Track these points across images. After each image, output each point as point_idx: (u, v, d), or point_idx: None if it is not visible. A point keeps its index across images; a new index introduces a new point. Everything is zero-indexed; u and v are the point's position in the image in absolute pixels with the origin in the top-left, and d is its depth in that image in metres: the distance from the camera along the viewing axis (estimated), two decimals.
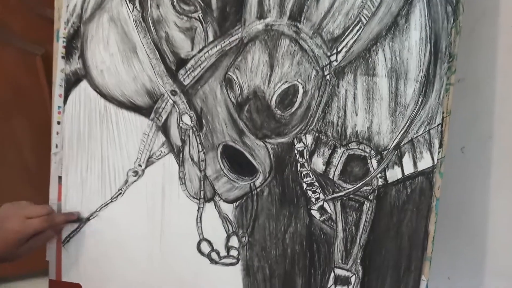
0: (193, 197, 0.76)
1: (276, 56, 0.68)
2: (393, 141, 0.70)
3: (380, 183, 0.72)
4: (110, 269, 0.79)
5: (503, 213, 0.86)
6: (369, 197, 0.72)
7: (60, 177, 0.78)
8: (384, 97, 0.69)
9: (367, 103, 0.69)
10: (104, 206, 0.79)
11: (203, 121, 0.74)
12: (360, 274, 0.74)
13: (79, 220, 0.79)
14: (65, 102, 0.77)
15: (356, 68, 0.69)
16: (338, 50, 0.68)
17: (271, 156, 0.73)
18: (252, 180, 0.74)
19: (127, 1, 0.72)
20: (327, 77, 0.69)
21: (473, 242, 0.90)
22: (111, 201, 0.78)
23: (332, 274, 0.75)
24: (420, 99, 0.69)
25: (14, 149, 1.39)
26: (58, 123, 0.76)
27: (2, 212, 0.74)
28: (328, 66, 0.69)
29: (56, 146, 0.77)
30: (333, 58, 0.68)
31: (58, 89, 0.75)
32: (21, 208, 0.75)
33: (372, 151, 0.71)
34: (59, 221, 0.78)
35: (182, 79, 0.73)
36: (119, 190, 0.78)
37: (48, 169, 1.45)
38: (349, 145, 0.71)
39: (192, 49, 0.71)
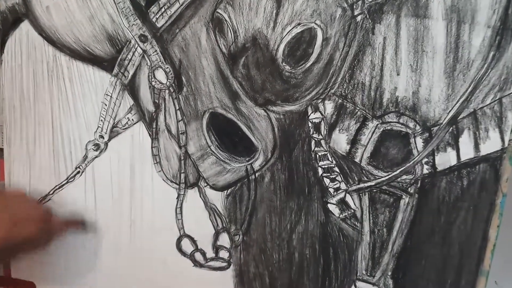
0: (171, 181, 0.62)
1: None
2: (448, 113, 0.52)
3: (425, 171, 0.54)
4: (65, 267, 0.65)
5: None
6: (409, 189, 0.55)
7: (1, 150, 0.63)
8: (439, 49, 0.50)
9: (414, 58, 0.51)
10: (59, 188, 0.66)
11: (183, 78, 0.58)
12: None
13: (83, 228, 0.66)
14: (1, 50, 0.62)
15: (400, 5, 0.50)
16: None
17: (275, 129, 0.57)
18: (249, 162, 0.58)
19: None
20: (358, 18, 0.51)
21: None
22: (67, 182, 0.65)
23: None
24: (491, 54, 0.50)
25: None
26: None
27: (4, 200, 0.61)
28: (359, 3, 0.50)
29: None
30: None
31: None
32: (12, 206, 0.61)
33: (418, 126, 0.53)
34: (57, 230, 0.64)
35: (154, 20, 0.56)
36: (76, 168, 0.65)
37: None
38: (385, 117, 0.53)
39: None
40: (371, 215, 0.57)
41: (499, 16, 0.49)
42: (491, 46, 0.50)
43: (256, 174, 0.59)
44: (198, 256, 0.63)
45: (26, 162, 0.64)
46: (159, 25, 0.56)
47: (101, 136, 0.61)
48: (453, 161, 0.54)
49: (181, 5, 0.54)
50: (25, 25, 0.60)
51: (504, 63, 0.50)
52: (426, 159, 0.54)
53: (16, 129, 0.64)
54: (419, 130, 0.53)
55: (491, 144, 0.53)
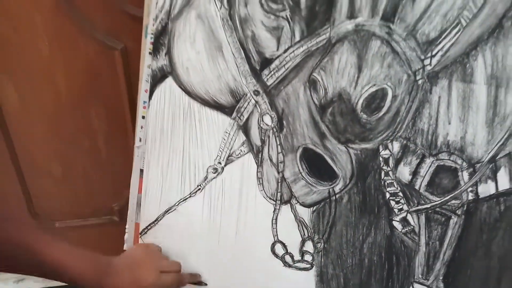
0: (270, 198, 0.76)
1: (365, 58, 0.65)
2: (488, 154, 0.65)
3: (470, 198, 0.67)
4: (184, 265, 0.80)
5: None
6: (457, 211, 0.68)
7: (141, 170, 0.80)
8: (481, 106, 0.64)
9: (462, 112, 0.65)
10: (183, 200, 0.80)
11: (284, 122, 0.72)
12: None
13: (199, 283, 0.81)
14: (150, 97, 0.78)
15: (452, 73, 0.64)
16: (433, 53, 0.64)
17: (353, 162, 0.70)
18: (331, 186, 0.72)
19: None
20: (419, 81, 0.65)
21: None
22: (190, 196, 0.79)
23: None
24: None
25: (90, 136, 1.47)
26: (143, 117, 0.78)
27: (137, 257, 0.75)
28: (421, 70, 0.65)
29: (140, 140, 0.79)
30: (427, 62, 0.64)
31: (144, 84, 0.77)
32: (157, 258, 0.76)
33: (464, 163, 0.66)
34: (185, 282, 0.78)
35: (265, 79, 0.72)
36: (198, 186, 0.79)
37: (117, 156, 1.52)
38: (439, 155, 0.67)
39: (278, 49, 0.70)
40: (426, 230, 0.70)
41: None
42: None
43: (337, 196, 0.72)
44: (287, 258, 0.77)
45: (160, 180, 0.80)
46: (268, 83, 0.71)
47: (219, 163, 0.76)
48: (492, 191, 0.66)
49: (286, 69, 0.70)
50: (169, 80, 0.76)
51: None
52: (470, 188, 0.66)
53: (154, 155, 0.79)
54: (465, 166, 0.66)
55: None
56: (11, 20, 1.28)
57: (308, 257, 0.76)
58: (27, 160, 1.45)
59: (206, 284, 0.81)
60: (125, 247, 0.83)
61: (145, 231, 0.82)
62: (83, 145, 1.47)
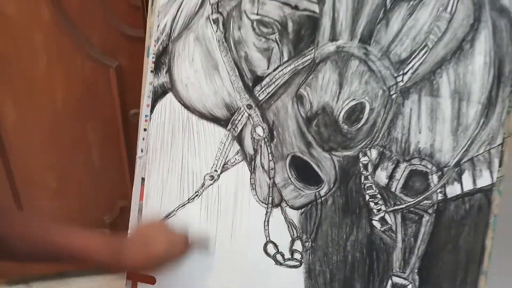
0: (262, 202, 0.82)
1: (345, 76, 0.74)
2: (454, 159, 0.74)
3: (439, 198, 0.76)
4: (183, 264, 0.84)
5: None
6: (428, 210, 0.77)
7: (143, 179, 0.87)
8: (447, 117, 0.73)
9: (431, 122, 0.74)
10: (182, 206, 0.86)
11: (274, 133, 0.80)
12: (417, 283, 0.79)
13: (205, 248, 0.86)
14: (151, 111, 0.85)
15: (421, 89, 0.74)
16: (405, 71, 0.73)
17: (337, 167, 0.78)
18: (317, 190, 0.80)
19: (212, 23, 0.80)
20: (393, 96, 0.74)
21: None
22: (188, 202, 0.86)
23: (390, 282, 0.80)
24: (482, 120, 0.73)
25: (84, 150, 1.53)
26: (145, 130, 0.85)
27: (147, 231, 0.80)
28: (394, 86, 0.74)
29: (142, 151, 0.86)
30: (399, 79, 0.74)
31: (146, 100, 0.84)
32: (165, 230, 0.81)
33: (434, 167, 0.75)
34: (193, 248, 0.83)
35: (257, 95, 0.80)
36: (196, 192, 0.85)
37: (111, 168, 1.57)
38: (412, 160, 0.76)
39: (268, 68, 0.79)
40: (402, 228, 0.78)
41: (486, 96, 0.72)
42: (481, 116, 0.72)
43: (322, 199, 0.80)
44: (278, 257, 0.83)
45: (160, 188, 0.86)
46: (260, 98, 0.79)
47: (215, 170, 0.83)
48: (458, 191, 0.75)
49: (276, 86, 0.78)
50: (169, 96, 0.83)
51: (490, 126, 0.72)
52: (440, 190, 0.75)
53: (155, 165, 0.86)
54: (435, 170, 0.75)
55: (484, 180, 0.74)
56: (12, 38, 1.34)
57: (297, 256, 0.82)
58: (22, 173, 1.49)
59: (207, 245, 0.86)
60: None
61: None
62: (77, 158, 1.53)
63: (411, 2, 0.72)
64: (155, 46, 0.83)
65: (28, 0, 1.29)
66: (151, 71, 0.84)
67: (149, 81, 0.84)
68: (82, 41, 1.37)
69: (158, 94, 0.85)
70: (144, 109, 0.85)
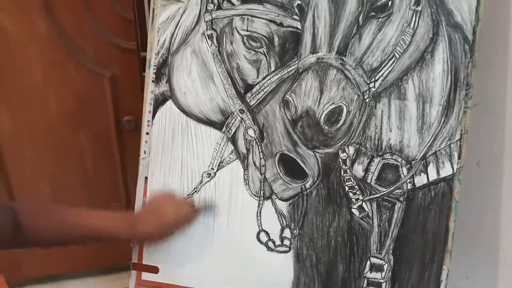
0: (255, 195, 0.92)
1: (325, 83, 0.84)
2: (420, 153, 0.86)
3: (409, 187, 0.88)
4: (184, 254, 0.95)
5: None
6: (400, 198, 0.88)
7: (146, 178, 0.96)
8: (413, 117, 0.85)
9: (399, 122, 0.86)
10: None
11: (264, 134, 0.90)
12: (392, 262, 0.90)
13: (211, 209, 0.94)
14: (153, 117, 0.94)
15: (390, 93, 0.85)
16: (376, 78, 0.85)
17: (319, 163, 0.89)
18: (303, 183, 0.90)
19: (207, 38, 0.90)
20: (367, 100, 0.86)
21: (489, 243, 1.04)
22: (188, 197, 0.95)
23: (368, 262, 0.90)
24: (443, 119, 0.85)
25: (77, 157, 1.60)
26: (147, 133, 0.94)
27: (157, 201, 0.90)
28: (367, 92, 0.85)
29: (145, 152, 0.95)
30: (371, 85, 0.85)
31: (148, 107, 0.94)
32: (173, 198, 0.91)
33: (403, 161, 0.87)
34: (200, 211, 0.93)
35: (248, 101, 0.90)
36: (194, 188, 0.94)
37: (103, 174, 1.64)
38: (384, 155, 0.87)
39: (258, 77, 0.89)
40: (378, 215, 0.89)
41: (445, 99, 0.84)
42: (442, 115, 0.84)
43: (307, 191, 0.90)
44: (270, 244, 0.92)
45: (162, 186, 0.95)
46: (251, 104, 0.89)
47: (212, 168, 0.92)
48: (425, 181, 0.87)
49: (265, 92, 0.88)
50: (169, 103, 0.92)
51: (450, 124, 0.84)
52: (409, 180, 0.87)
53: (157, 165, 0.95)
54: (404, 163, 0.87)
55: (446, 170, 0.86)
56: (8, 51, 1.41)
57: (286, 242, 0.92)
58: (18, 180, 1.55)
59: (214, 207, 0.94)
60: (131, 243, 0.97)
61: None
62: (71, 164, 1.59)
63: (380, 19, 0.83)
64: (155, 59, 0.93)
65: (24, 14, 1.36)
66: (152, 81, 0.93)
67: (150, 90, 0.93)
68: (77, 53, 1.45)
69: (159, 101, 0.94)
70: (147, 115, 0.94)
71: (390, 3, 0.83)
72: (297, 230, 0.92)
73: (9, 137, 1.50)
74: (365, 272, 0.91)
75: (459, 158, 0.86)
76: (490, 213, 1.02)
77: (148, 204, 0.93)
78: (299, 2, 0.85)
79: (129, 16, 1.39)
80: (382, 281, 0.90)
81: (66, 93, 1.49)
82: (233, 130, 0.92)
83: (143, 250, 0.97)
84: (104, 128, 1.57)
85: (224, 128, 0.92)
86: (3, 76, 1.43)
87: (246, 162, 0.92)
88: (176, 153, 0.94)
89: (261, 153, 0.91)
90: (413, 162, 0.87)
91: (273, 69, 0.88)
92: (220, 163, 0.93)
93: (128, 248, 0.98)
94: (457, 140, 0.85)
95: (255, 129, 0.91)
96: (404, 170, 0.87)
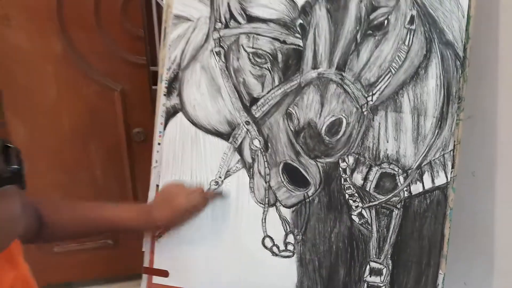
0: (260, 203, 0.96)
1: (326, 97, 0.90)
2: (416, 163, 0.91)
3: (406, 195, 0.92)
4: (192, 258, 1.00)
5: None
6: (397, 205, 0.93)
7: (157, 186, 1.01)
8: (409, 128, 0.91)
9: (396, 133, 0.91)
10: None
11: (269, 144, 0.95)
12: (390, 267, 0.94)
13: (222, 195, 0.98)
14: (164, 128, 1.00)
15: (387, 106, 0.91)
16: (373, 92, 0.90)
17: (321, 172, 0.93)
18: (306, 191, 0.94)
19: (215, 55, 0.96)
20: (365, 113, 0.91)
21: (485, 250, 1.08)
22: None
23: (368, 267, 0.94)
24: (436, 131, 0.90)
25: (88, 168, 1.66)
26: (159, 144, 1.00)
27: (168, 191, 0.96)
28: (365, 105, 0.91)
29: (156, 162, 1.01)
30: (369, 98, 0.91)
31: (160, 119, 0.99)
32: (184, 187, 0.96)
33: (400, 170, 0.92)
34: (210, 199, 0.97)
35: (254, 113, 0.95)
36: None
37: (113, 185, 1.69)
38: (382, 165, 0.92)
39: (262, 91, 0.95)
40: (376, 221, 0.93)
41: (439, 112, 0.89)
42: (436, 127, 0.89)
43: (310, 198, 0.94)
44: (274, 249, 0.96)
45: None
46: (256, 116, 0.95)
47: (220, 177, 0.97)
48: (420, 189, 0.92)
49: (269, 105, 0.94)
50: (180, 115, 0.98)
51: (444, 136, 0.89)
52: (405, 188, 0.92)
53: (168, 174, 1.00)
54: (401, 172, 0.91)
55: (440, 179, 0.91)
56: (25, 69, 1.48)
57: (290, 247, 0.96)
58: (31, 192, 1.60)
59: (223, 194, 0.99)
60: (143, 248, 1.02)
61: (161, 234, 1.01)
62: (82, 175, 1.65)
63: (377, 37, 0.89)
64: (167, 74, 0.99)
65: (41, 35, 1.44)
66: (164, 95, 0.99)
67: (162, 103, 0.99)
68: (89, 70, 1.52)
69: (170, 114, 1.00)
70: (158, 126, 1.00)
71: (386, 22, 0.89)
72: (300, 236, 0.96)
73: (23, 151, 1.56)
74: (365, 276, 0.95)
75: (452, 167, 0.91)
76: (485, 220, 1.07)
77: (161, 194, 0.99)
78: (301, 21, 0.92)
79: (138, 33, 1.46)
80: (381, 284, 0.94)
81: (78, 108, 1.56)
82: (240, 141, 0.97)
83: (154, 253, 1.01)
84: (114, 140, 1.63)
85: (231, 139, 0.97)
86: (19, 92, 1.50)
87: (251, 171, 0.97)
88: (185, 162, 0.99)
89: (265, 162, 0.96)
90: (409, 171, 0.91)
91: (277, 83, 0.94)
92: (227, 172, 0.98)
93: (139, 258, 1.03)
94: (450, 151, 0.90)
95: (260, 139, 0.96)
96: (401, 178, 0.92)
